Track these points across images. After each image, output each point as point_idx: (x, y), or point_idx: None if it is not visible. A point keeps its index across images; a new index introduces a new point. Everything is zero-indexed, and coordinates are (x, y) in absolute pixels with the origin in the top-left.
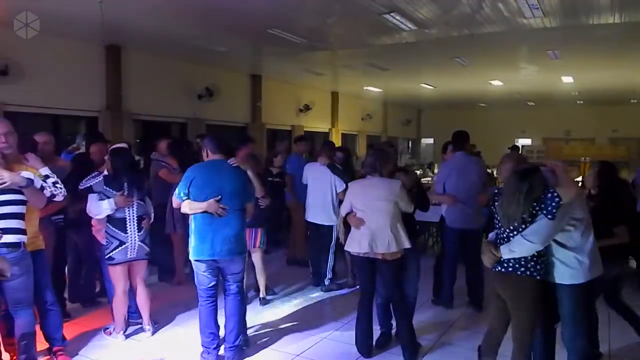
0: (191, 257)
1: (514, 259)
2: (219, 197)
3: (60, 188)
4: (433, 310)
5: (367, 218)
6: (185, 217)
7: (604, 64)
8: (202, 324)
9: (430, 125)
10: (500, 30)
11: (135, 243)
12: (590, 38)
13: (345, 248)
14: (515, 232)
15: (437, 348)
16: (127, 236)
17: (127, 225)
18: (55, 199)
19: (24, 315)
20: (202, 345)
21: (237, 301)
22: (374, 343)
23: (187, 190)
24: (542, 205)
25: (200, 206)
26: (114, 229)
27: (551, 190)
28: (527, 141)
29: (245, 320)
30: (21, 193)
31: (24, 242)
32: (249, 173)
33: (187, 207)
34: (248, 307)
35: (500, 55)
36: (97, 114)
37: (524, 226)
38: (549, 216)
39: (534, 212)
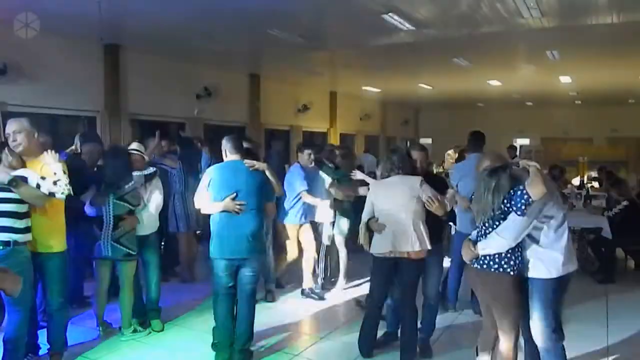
0: (211, 256)
1: (488, 255)
2: (235, 194)
3: (60, 187)
4: None
5: (390, 217)
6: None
7: (603, 64)
8: (219, 322)
9: (429, 125)
10: (498, 30)
11: (107, 242)
12: (588, 38)
13: (370, 250)
14: (490, 230)
15: (436, 347)
16: (101, 234)
17: (104, 224)
18: (55, 197)
19: (15, 318)
20: (217, 343)
21: (250, 304)
22: (375, 342)
23: (207, 191)
24: (512, 202)
25: (218, 205)
26: (95, 226)
27: (520, 188)
28: (525, 141)
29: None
30: (12, 191)
31: (15, 241)
32: (267, 173)
33: (207, 207)
34: None
35: (498, 55)
36: (96, 114)
37: (497, 223)
38: (518, 212)
39: (506, 209)
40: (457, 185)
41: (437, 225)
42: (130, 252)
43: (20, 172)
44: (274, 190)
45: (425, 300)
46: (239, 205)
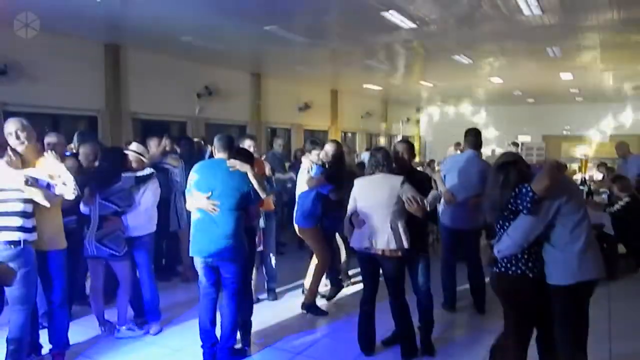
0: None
1: (506, 258)
2: (209, 193)
3: (69, 187)
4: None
5: (369, 214)
6: (190, 214)
7: (603, 61)
8: (199, 319)
9: (430, 123)
10: (499, 28)
11: (92, 242)
12: (589, 35)
13: (350, 244)
14: (502, 231)
15: (438, 345)
16: (87, 233)
17: (91, 223)
18: (65, 198)
19: (19, 317)
20: (202, 345)
21: (231, 303)
22: (379, 340)
23: (191, 188)
24: (519, 201)
25: (195, 203)
26: (85, 225)
27: (525, 185)
28: (526, 138)
29: (250, 321)
30: (22, 191)
31: (24, 240)
32: (249, 175)
33: (188, 203)
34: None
35: (499, 52)
36: (97, 114)
37: (508, 224)
38: (525, 211)
39: (513, 208)
40: (444, 176)
41: (420, 225)
42: (114, 253)
43: (30, 172)
44: (254, 192)
45: (417, 299)
46: (213, 204)
